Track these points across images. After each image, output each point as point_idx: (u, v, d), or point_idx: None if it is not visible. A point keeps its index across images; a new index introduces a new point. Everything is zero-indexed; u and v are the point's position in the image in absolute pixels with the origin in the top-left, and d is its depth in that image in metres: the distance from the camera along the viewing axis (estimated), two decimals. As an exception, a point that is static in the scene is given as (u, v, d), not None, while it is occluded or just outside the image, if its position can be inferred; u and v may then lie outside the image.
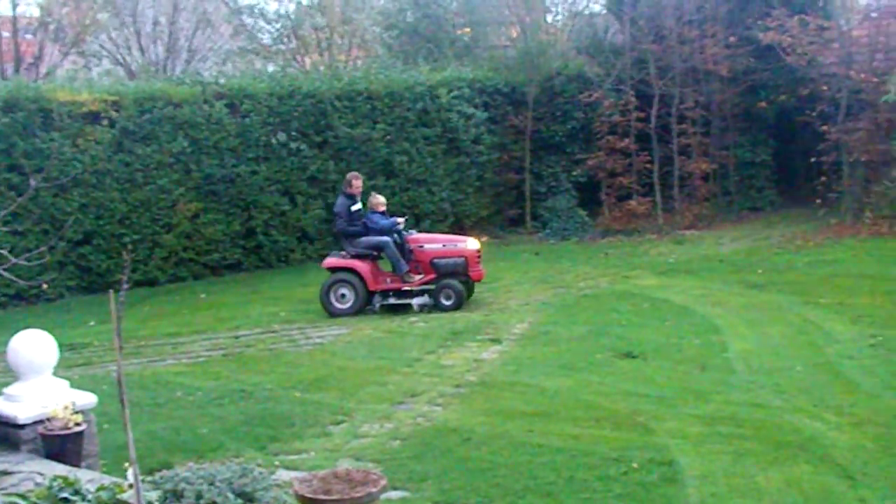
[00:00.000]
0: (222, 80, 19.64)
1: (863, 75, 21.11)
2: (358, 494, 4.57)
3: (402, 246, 14.37)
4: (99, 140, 17.06)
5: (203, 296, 16.40)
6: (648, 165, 22.56)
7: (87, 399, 7.00)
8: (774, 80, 22.94)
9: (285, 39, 26.91)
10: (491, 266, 18.41)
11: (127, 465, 4.98)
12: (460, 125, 21.90)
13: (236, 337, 12.98)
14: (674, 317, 12.97)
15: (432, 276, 14.25)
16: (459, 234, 16.34)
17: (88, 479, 5.60)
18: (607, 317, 13.19)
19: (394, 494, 6.69)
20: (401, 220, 14.61)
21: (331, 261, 14.52)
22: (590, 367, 10.53)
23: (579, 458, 7.50)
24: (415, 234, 14.91)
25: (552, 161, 23.33)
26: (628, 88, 22.38)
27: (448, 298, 14.06)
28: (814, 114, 21.77)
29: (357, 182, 14.63)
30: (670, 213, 22.32)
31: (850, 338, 11.46)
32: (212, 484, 4.72)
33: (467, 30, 26.92)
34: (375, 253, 14.37)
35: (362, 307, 14.11)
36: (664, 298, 14.28)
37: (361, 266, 14.16)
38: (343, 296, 14.17)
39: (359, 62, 26.38)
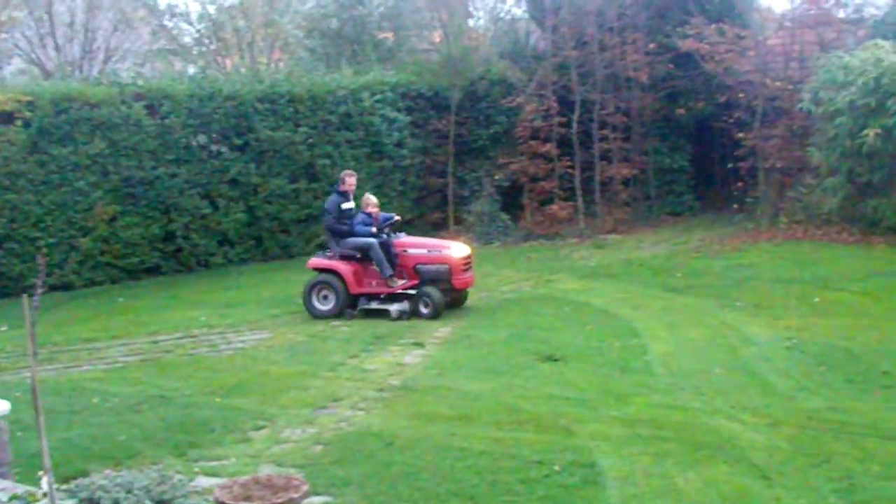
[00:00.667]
0: (141, 81, 19.31)
1: (778, 83, 21.62)
2: (279, 500, 4.52)
3: (389, 248, 13.92)
4: (13, 141, 16.65)
5: (121, 300, 16.10)
6: (570, 170, 22.77)
7: (0, 407, 6.81)
8: (693, 87, 23.34)
9: (206, 41, 26.58)
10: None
11: (41, 473, 4.86)
12: (383, 129, 21.85)
13: (155, 342, 12.76)
14: (595, 320, 13.10)
15: (415, 281, 13.78)
16: (437, 239, 15.79)
17: (0, 488, 5.45)
18: (529, 320, 13.27)
19: (316, 500, 6.63)
20: (373, 230, 13.98)
21: (315, 261, 14.29)
22: (512, 371, 10.58)
23: (502, 461, 7.52)
24: (402, 238, 14.29)
25: (475, 165, 23.42)
26: (550, 94, 22.56)
27: (426, 307, 13.50)
28: (731, 120, 22.23)
29: (350, 179, 14.34)
30: (591, 217, 22.55)
31: (766, 340, 11.70)
32: (129, 492, 4.62)
33: (390, 34, 26.88)
34: (359, 255, 13.96)
35: (342, 310, 13.76)
36: (585, 302, 14.42)
37: (343, 268, 13.81)
38: (325, 297, 13.89)
39: (281, 64, 26.17)
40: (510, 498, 6.68)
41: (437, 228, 23.27)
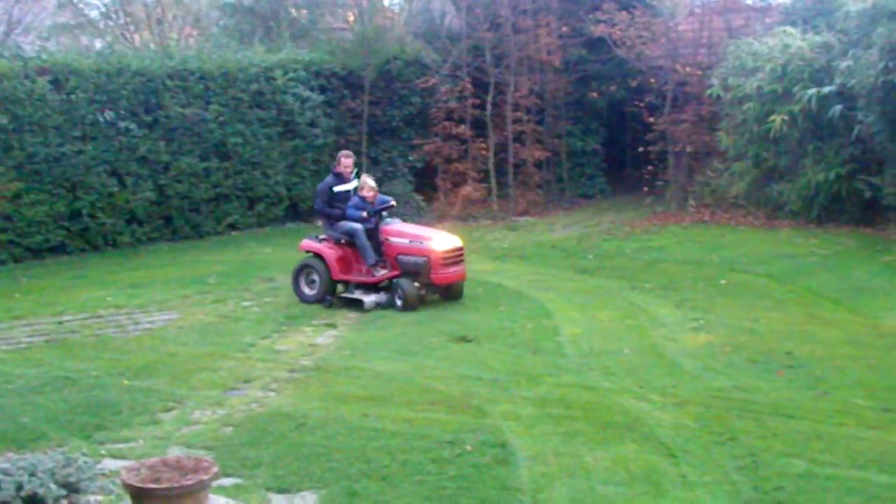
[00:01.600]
0: (45, 56, 18.76)
1: (688, 69, 21.98)
2: (189, 482, 4.45)
3: (376, 236, 13.16)
4: None
5: (24, 280, 15.68)
6: (484, 152, 22.86)
7: None
8: (605, 72, 23.62)
9: (114, 15, 25.97)
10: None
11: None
12: (296, 108, 21.63)
13: (60, 322, 12.46)
14: (507, 301, 13.18)
15: (397, 272, 12.89)
16: (428, 228, 14.34)
17: None
18: (442, 301, 13.29)
19: (226, 481, 6.55)
20: (364, 214, 13.14)
21: (305, 243, 13.73)
22: (424, 351, 10.59)
23: (414, 441, 7.52)
24: (392, 225, 13.31)
25: (389, 146, 23.35)
26: (464, 75, 22.60)
27: (400, 299, 12.63)
28: (642, 105, 22.55)
29: (346, 160, 13.65)
30: (505, 199, 22.68)
31: (673, 321, 11.91)
32: (33, 475, 4.50)
33: (304, 11, 26.59)
34: (345, 240, 13.26)
35: (324, 296, 13.09)
36: (498, 283, 14.50)
37: (328, 253, 13.16)
38: (313, 282, 13.26)
39: (191, 40, 25.70)
40: (422, 478, 6.69)
41: (350, 209, 23.16)
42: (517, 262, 16.41)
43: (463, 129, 22.58)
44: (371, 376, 9.61)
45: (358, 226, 13.01)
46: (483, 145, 22.86)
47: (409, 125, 23.57)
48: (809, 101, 17.99)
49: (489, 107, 22.50)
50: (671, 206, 21.77)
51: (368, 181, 13.41)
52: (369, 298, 12.74)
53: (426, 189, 23.05)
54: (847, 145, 18.39)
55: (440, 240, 12.99)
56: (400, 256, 12.87)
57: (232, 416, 8.34)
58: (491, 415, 8.24)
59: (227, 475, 6.70)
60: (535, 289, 14.08)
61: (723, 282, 14.31)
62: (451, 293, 13.13)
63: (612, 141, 25.71)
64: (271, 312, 12.78)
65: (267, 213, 21.49)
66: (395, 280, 12.76)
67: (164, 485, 4.41)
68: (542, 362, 10.06)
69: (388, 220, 13.37)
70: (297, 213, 22.35)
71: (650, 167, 22.81)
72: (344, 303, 12.96)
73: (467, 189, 22.47)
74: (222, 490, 5.90)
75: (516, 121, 22.83)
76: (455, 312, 12.57)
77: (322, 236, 13.62)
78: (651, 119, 22.40)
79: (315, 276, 13.21)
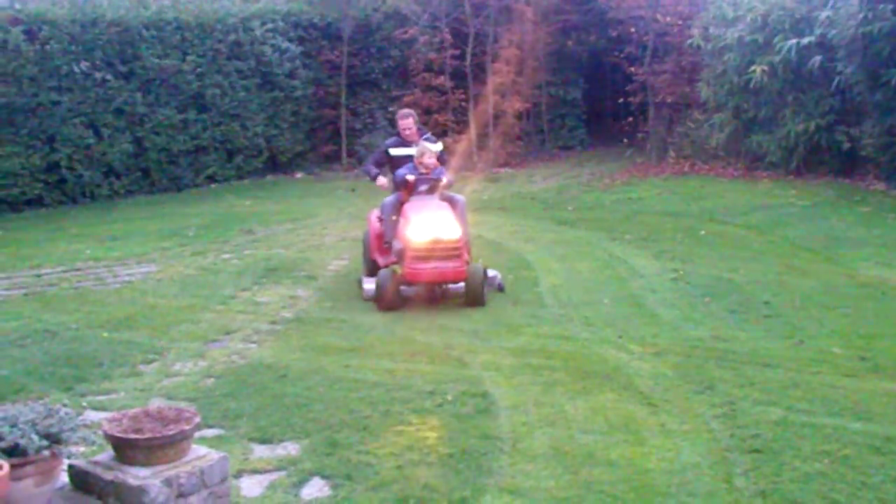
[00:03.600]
0: (18, 6, 18.48)
1: (668, 18, 21.88)
2: (170, 432, 4.45)
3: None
4: None
5: (1, 233, 15.56)
6: (464, 103, 22.79)
7: None
8: (586, 22, 23.47)
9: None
10: (306, 203, 18.29)
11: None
12: (274, 59, 21.46)
13: (38, 275, 12.39)
14: (487, 253, 13.17)
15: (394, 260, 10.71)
16: (437, 211, 10.69)
17: None
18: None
19: (208, 432, 6.57)
20: (411, 177, 10.83)
21: (369, 214, 11.73)
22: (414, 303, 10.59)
23: (395, 391, 7.55)
24: (415, 201, 10.83)
25: (368, 97, 23.24)
26: (444, 26, 22.44)
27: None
28: (622, 55, 22.46)
29: (403, 122, 11.52)
30: (485, 150, 22.63)
31: (653, 272, 11.95)
32: (14, 426, 4.49)
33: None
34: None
35: (369, 272, 11.02)
36: (478, 234, 14.46)
37: (371, 225, 11.27)
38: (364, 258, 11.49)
39: (168, -10, 25.32)
40: (403, 428, 6.72)
41: (329, 161, 23.08)
42: (497, 214, 16.40)
43: (442, 81, 22.47)
44: (352, 328, 9.62)
45: (389, 198, 10.99)
46: (463, 96, 22.76)
47: (389, 77, 23.44)
48: (790, 51, 17.96)
49: (469, 58, 22.36)
50: (651, 157, 21.79)
51: (428, 146, 10.94)
52: (368, 286, 10.56)
53: (406, 141, 22.90)
54: (827, 96, 18.41)
55: (422, 226, 10.29)
56: (395, 240, 10.69)
57: (213, 368, 8.34)
58: (471, 365, 8.28)
59: (209, 426, 6.72)
60: (515, 240, 14.10)
61: (702, 232, 14.36)
62: (471, 296, 10.28)
63: (593, 92, 25.65)
64: (251, 265, 12.75)
65: (246, 166, 21.39)
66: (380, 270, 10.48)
67: (146, 435, 4.41)
68: (521, 313, 10.09)
69: (420, 196, 10.88)
70: (277, 165, 22.26)
71: (630, 118, 22.81)
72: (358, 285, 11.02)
73: (447, 141, 22.38)
74: (204, 440, 5.91)
75: (496, 72, 22.70)
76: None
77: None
78: (631, 70, 22.33)
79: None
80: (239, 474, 5.94)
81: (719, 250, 13.14)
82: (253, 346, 9.08)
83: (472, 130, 22.62)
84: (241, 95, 20.95)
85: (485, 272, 10.40)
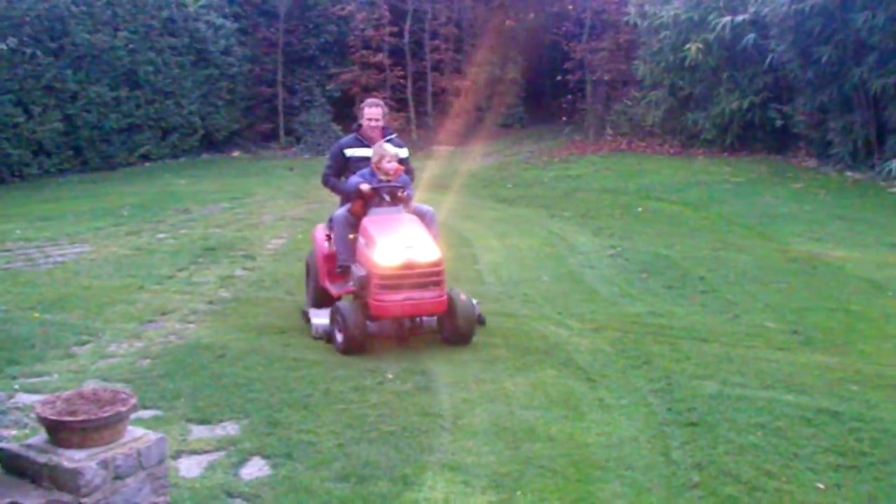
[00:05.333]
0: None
1: (605, -4, 22.01)
2: (106, 414, 4.37)
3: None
4: None
5: (-72, 213, 15.20)
6: (402, 81, 22.69)
7: None
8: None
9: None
10: (243, 181, 18.11)
11: None
12: (209, 36, 21.17)
13: (-32, 257, 12.12)
14: (427, 230, 13.17)
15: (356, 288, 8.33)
16: (409, 225, 8.40)
17: None
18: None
19: (145, 413, 6.49)
20: (366, 187, 8.47)
21: (314, 231, 9.51)
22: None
23: (335, 370, 7.51)
24: (376, 214, 8.45)
25: (305, 75, 23.05)
26: (382, 2, 22.30)
27: (339, 332, 8.02)
28: (560, 33, 22.52)
29: (371, 111, 9.09)
30: (424, 128, 22.59)
31: (591, 249, 12.04)
32: (-58, 411, 4.39)
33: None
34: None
35: (314, 303, 8.98)
36: (417, 212, 14.47)
37: (319, 245, 9.01)
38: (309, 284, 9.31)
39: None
40: (344, 406, 6.69)
41: (266, 139, 22.87)
42: (436, 192, 16.38)
43: (381, 58, 22.37)
44: (291, 307, 9.55)
45: (340, 210, 8.74)
46: (401, 74, 22.67)
47: (326, 54, 23.26)
48: (724, 29, 18.16)
49: (407, 35, 22.26)
50: (589, 134, 21.94)
51: (388, 148, 8.65)
52: (319, 321, 8.42)
53: (344, 119, 22.81)
54: (760, 74, 18.66)
55: (391, 247, 7.98)
56: (354, 265, 8.39)
57: (149, 349, 8.23)
58: (411, 343, 8.27)
59: (146, 407, 6.63)
60: (454, 218, 14.10)
61: (639, 209, 14.50)
62: (458, 334, 8.18)
63: (531, 70, 25.70)
64: (187, 244, 12.59)
65: (181, 144, 21.13)
66: (338, 302, 8.26)
67: (81, 417, 4.33)
68: (462, 290, 10.09)
69: (383, 208, 8.53)
70: (213, 143, 22.00)
71: (568, 96, 22.90)
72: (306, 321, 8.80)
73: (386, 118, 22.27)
74: (141, 422, 5.83)
75: (434, 49, 22.65)
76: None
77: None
78: (569, 47, 22.41)
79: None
80: (177, 455, 5.88)
81: (656, 227, 13.28)
82: (190, 326, 8.97)
83: (411, 108, 22.55)
84: (175, 72, 20.65)
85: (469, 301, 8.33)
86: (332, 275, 8.74)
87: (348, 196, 8.71)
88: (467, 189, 16.76)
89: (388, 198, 8.53)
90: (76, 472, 4.23)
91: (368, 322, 8.07)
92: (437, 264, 8.08)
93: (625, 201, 15.11)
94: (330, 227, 8.91)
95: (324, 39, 23.08)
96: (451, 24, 22.89)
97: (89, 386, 6.67)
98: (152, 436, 4.59)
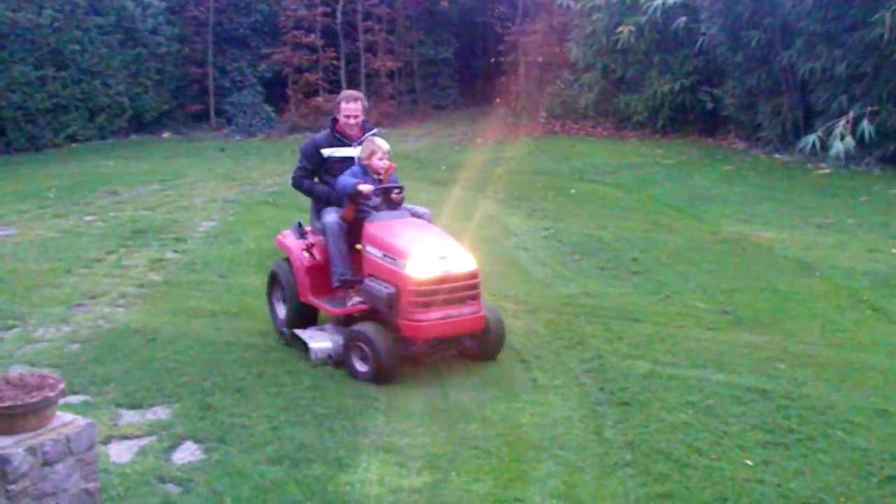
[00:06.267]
0: None
1: (539, -22, 22.08)
2: (33, 399, 4.28)
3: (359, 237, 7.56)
4: None
5: None
6: (335, 62, 22.54)
7: None
8: (457, -20, 23.46)
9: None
10: (174, 163, 17.85)
11: None
12: (137, 14, 20.79)
13: None
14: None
15: (367, 306, 7.39)
16: (431, 231, 7.63)
17: None
18: (295, 214, 13.13)
19: (74, 399, 6.38)
20: (367, 188, 7.53)
21: (279, 238, 8.40)
22: (278, 264, 10.45)
23: (268, 353, 7.47)
24: (379, 220, 7.46)
25: (236, 55, 22.77)
26: (314, -18, 22.12)
27: (362, 360, 7.03)
28: (494, 15, 22.54)
29: (347, 105, 8.01)
30: (357, 110, 22.45)
31: (525, 230, 12.10)
32: None
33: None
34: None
35: (292, 322, 7.84)
36: (351, 195, 14.41)
37: (297, 255, 7.88)
38: (284, 299, 8.08)
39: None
40: (277, 389, 6.65)
41: (197, 120, 22.57)
42: (370, 174, 16.31)
43: (313, 39, 22.17)
44: (224, 290, 9.46)
45: (331, 217, 7.67)
46: (334, 55, 22.51)
47: (257, 34, 22.99)
48: (655, 12, 18.31)
49: (339, 15, 22.10)
50: (522, 116, 22.01)
51: (380, 144, 7.81)
52: (319, 345, 7.37)
53: (276, 100, 22.62)
54: (691, 57, 18.88)
55: (423, 260, 7.00)
56: (368, 280, 7.36)
57: (78, 333, 8.09)
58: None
59: (75, 392, 6.52)
60: (388, 200, 14.03)
61: (572, 191, 14.59)
62: (485, 348, 7.42)
63: (465, 51, 25.70)
64: (116, 227, 12.38)
65: (109, 125, 20.75)
66: (355, 326, 7.26)
67: (7, 403, 4.24)
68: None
69: (385, 211, 7.61)
70: (142, 124, 21.65)
71: (502, 78, 22.94)
72: (296, 342, 7.65)
73: (318, 100, 22.15)
74: (70, 407, 5.73)
75: (367, 30, 22.54)
76: (308, 224, 12.45)
77: (307, 228, 8.22)
78: (502, 29, 22.44)
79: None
80: (107, 440, 5.80)
81: (589, 208, 13.38)
82: (120, 310, 8.83)
83: (344, 90, 22.42)
84: (103, 52, 20.25)
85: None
86: (315, 288, 7.72)
87: (330, 200, 7.83)
88: (400, 171, 16.50)
89: (378, 199, 7.60)
90: (3, 459, 4.14)
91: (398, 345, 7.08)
92: (474, 276, 7.15)
93: (558, 183, 15.20)
94: (301, 233, 8.00)
95: (255, 19, 22.80)
96: (384, 4, 22.77)
97: (16, 371, 6.54)
98: (81, 421, 4.52)
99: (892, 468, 5.32)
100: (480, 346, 7.38)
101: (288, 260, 8.03)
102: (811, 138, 14.28)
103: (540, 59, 22.39)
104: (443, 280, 6.97)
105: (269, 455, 5.58)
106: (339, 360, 7.21)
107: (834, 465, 5.39)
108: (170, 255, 11.03)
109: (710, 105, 18.87)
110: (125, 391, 6.63)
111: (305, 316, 7.83)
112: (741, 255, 10.68)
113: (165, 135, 21.77)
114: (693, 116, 19.34)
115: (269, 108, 22.18)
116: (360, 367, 7.01)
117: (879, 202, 13.11)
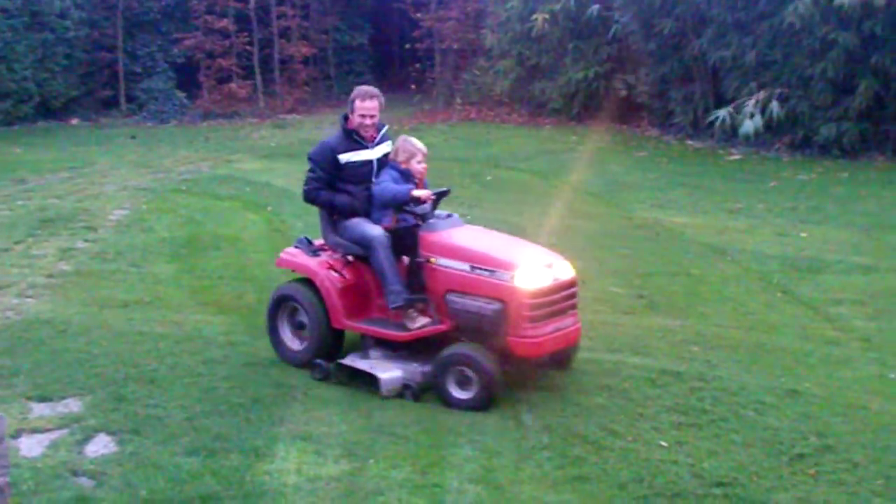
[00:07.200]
0: None
1: (454, -36, 22.07)
2: (-63, 395, 4.16)
3: (414, 250, 6.70)
4: None
5: None
6: (248, 47, 22.27)
7: None
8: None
9: None
10: (83, 150, 17.46)
11: None
12: (43, -3, 20.26)
13: None
14: (276, 201, 13.02)
15: (446, 326, 6.59)
16: (505, 237, 7.12)
17: None
18: (208, 202, 12.97)
19: (-20, 393, 6.22)
20: (425, 193, 6.72)
21: (288, 255, 7.36)
22: (192, 254, 10.32)
23: (183, 343, 7.36)
24: (440, 231, 6.69)
25: (147, 40, 22.35)
26: (226, -34, 21.80)
27: (462, 385, 6.29)
28: (408, 1, 22.47)
29: (366, 104, 7.14)
30: (271, 96, 22.27)
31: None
32: None
33: None
34: (361, 255, 6.90)
35: (318, 352, 6.89)
36: (266, 182, 14.29)
37: (324, 275, 6.92)
38: (302, 325, 7.10)
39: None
40: (192, 380, 6.56)
41: (107, 106, 22.12)
42: (285, 161, 16.17)
43: (225, 24, 21.85)
44: (137, 279, 9.29)
45: (376, 231, 6.78)
46: (247, 40, 22.23)
47: (169, 18, 22.59)
48: (569, 0, 18.45)
49: (252, 0, 21.82)
50: (438, 103, 22.02)
51: (416, 144, 7.14)
52: (391, 375, 6.51)
53: (189, 86, 22.26)
54: (604, 45, 19.06)
55: (532, 268, 6.37)
56: (452, 296, 6.53)
57: (-15, 325, 7.87)
58: (262, 313, 8.14)
59: (-18, 386, 6.36)
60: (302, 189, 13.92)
61: (489, 178, 14.64)
62: (562, 360, 6.82)
63: (380, 38, 25.61)
64: (24, 216, 12.06)
65: (15, 111, 20.21)
66: (451, 348, 6.42)
67: (-90, 399, 4.11)
68: (312, 260, 10.01)
69: (434, 218, 6.76)
70: (50, 111, 21.14)
71: (417, 64, 22.90)
72: (348, 376, 6.69)
73: (232, 86, 21.88)
74: (-24, 402, 5.60)
75: (281, 16, 22.30)
76: (221, 213, 12.32)
77: (318, 243, 7.34)
78: (417, 15, 22.40)
79: (304, 318, 7.07)
80: (17, 434, 5.66)
81: (505, 195, 13.44)
82: (29, 300, 8.61)
83: (258, 76, 22.17)
84: (7, 36, 19.68)
85: None
86: (350, 309, 6.81)
87: (354, 212, 6.93)
88: (317, 158, 16.56)
89: (428, 207, 6.73)
90: None
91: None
92: (574, 283, 6.62)
93: (474, 170, 15.23)
94: (313, 251, 7.12)
95: (165, 3, 22.38)
96: (299, -11, 22.59)
97: (-82, 365, 6.35)
98: (-11, 415, 4.40)
99: (801, 446, 5.47)
100: (567, 356, 6.79)
101: (302, 282, 7.09)
102: (722, 113, 14.51)
103: (455, 46, 22.41)
104: (553, 290, 6.38)
105: (184, 446, 5.51)
106: (419, 389, 6.43)
107: (746, 444, 5.51)
108: (80, 244, 10.78)
109: (623, 92, 19.09)
110: (35, 384, 6.48)
111: (335, 343, 6.96)
112: (655, 241, 10.84)
113: (74, 121, 21.28)
114: (607, 104, 19.55)
115: (181, 94, 21.82)
116: (460, 393, 6.27)
117: (788, 187, 13.42)
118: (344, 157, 6.97)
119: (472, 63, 22.25)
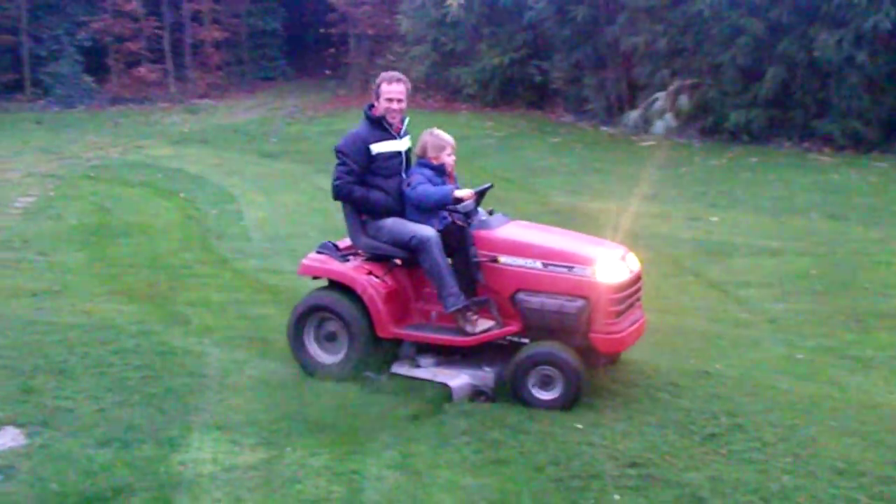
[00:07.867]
0: None
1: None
2: None
3: (464, 250, 6.27)
4: None
5: None
6: (159, 31, 21.89)
7: None
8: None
9: None
10: (-13, 135, 16.98)
11: None
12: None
13: None
14: (188, 187, 12.83)
15: (515, 327, 6.24)
16: (570, 233, 6.84)
17: None
18: (118, 189, 12.72)
19: None
20: (467, 193, 6.37)
21: (312, 261, 6.73)
22: (103, 241, 10.12)
23: (94, 333, 7.19)
24: (497, 225, 6.45)
25: (53, 23, 21.79)
26: (135, -53, 21.38)
27: (545, 386, 6.00)
28: (322, -15, 22.32)
29: (392, 87, 6.58)
30: (183, 81, 21.94)
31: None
32: None
33: None
34: (401, 258, 6.48)
35: (359, 362, 6.39)
36: (179, 168, 14.06)
37: (364, 282, 6.40)
38: (331, 336, 6.56)
39: None
40: (104, 370, 6.42)
41: (10, 91, 21.53)
42: (198, 147, 15.94)
43: (134, 7, 21.43)
44: (45, 268, 9.07)
45: (428, 231, 6.31)
46: (157, 24, 21.84)
47: (75, 0, 22.03)
48: (484, -15, 18.50)
49: (163, -17, 21.44)
50: (353, 88, 21.91)
51: (444, 137, 6.72)
52: (461, 383, 6.20)
53: (97, 70, 21.79)
54: (520, 31, 19.15)
55: (609, 262, 6.13)
56: (521, 295, 6.18)
57: None
58: (176, 302, 8.03)
59: None
60: (217, 174, 13.76)
61: (403, 164, 14.60)
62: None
63: (294, 22, 25.38)
64: (-75, 203, 11.69)
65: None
66: (532, 349, 6.08)
67: None
68: (228, 248, 9.90)
69: (482, 216, 6.50)
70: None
71: (332, 49, 22.77)
72: (402, 386, 6.24)
73: (141, 70, 21.48)
74: None
75: (192, -1, 21.95)
76: (132, 201, 12.10)
77: (345, 245, 6.83)
78: (332, 0, 22.25)
79: (337, 329, 6.54)
80: (-82, 430, 5.48)
81: (421, 180, 13.40)
82: (-70, 291, 8.35)
83: (169, 60, 21.79)
84: None
85: None
86: (396, 314, 6.38)
87: (389, 211, 6.49)
88: (229, 144, 16.37)
89: (472, 204, 6.39)
90: None
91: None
92: (640, 275, 6.39)
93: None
94: (343, 255, 6.59)
95: (74, -15, 21.90)
96: (210, -28, 22.22)
97: None
98: None
99: (713, 426, 5.57)
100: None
101: (336, 289, 6.51)
102: (633, 115, 14.75)
103: (370, 32, 22.30)
104: (630, 283, 6.17)
105: (96, 438, 5.38)
106: (493, 393, 6.14)
107: (659, 425, 5.59)
108: (-17, 232, 10.49)
109: (538, 78, 19.21)
110: (-63, 377, 6.28)
111: (381, 350, 6.44)
112: (571, 226, 10.89)
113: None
114: (522, 89, 19.65)
115: (89, 79, 21.33)
116: (544, 394, 5.97)
117: (699, 173, 13.67)
118: (375, 148, 6.45)
119: (387, 48, 22.19)
